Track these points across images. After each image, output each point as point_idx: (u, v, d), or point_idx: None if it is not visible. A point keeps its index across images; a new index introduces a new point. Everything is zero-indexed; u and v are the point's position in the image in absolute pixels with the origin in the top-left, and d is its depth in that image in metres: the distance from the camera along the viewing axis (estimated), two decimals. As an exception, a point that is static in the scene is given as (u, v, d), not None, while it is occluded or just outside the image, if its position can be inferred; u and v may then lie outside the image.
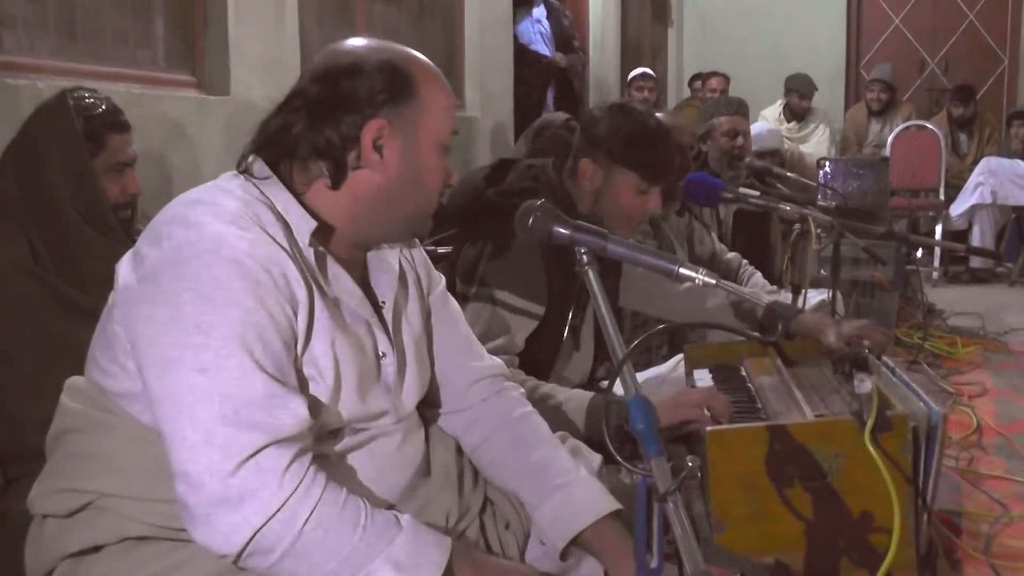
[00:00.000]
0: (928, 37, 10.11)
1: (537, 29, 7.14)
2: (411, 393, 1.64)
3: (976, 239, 7.57)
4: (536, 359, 2.38)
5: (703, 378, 2.50)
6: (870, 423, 1.82)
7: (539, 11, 7.14)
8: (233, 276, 1.35)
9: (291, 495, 1.32)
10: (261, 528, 1.31)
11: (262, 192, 1.47)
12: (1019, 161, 7.60)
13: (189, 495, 1.31)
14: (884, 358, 2.29)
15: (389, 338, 1.58)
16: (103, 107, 2.35)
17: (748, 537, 1.88)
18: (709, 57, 10.04)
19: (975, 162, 7.93)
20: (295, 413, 1.36)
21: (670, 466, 1.20)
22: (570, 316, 2.46)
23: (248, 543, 1.31)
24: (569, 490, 1.66)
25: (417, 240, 1.75)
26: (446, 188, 1.61)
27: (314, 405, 1.43)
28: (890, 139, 7.96)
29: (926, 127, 8.02)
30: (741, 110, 4.33)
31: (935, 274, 7.42)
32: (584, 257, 1.51)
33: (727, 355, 2.63)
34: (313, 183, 1.50)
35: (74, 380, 1.54)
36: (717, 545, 1.83)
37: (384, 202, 1.52)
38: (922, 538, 1.93)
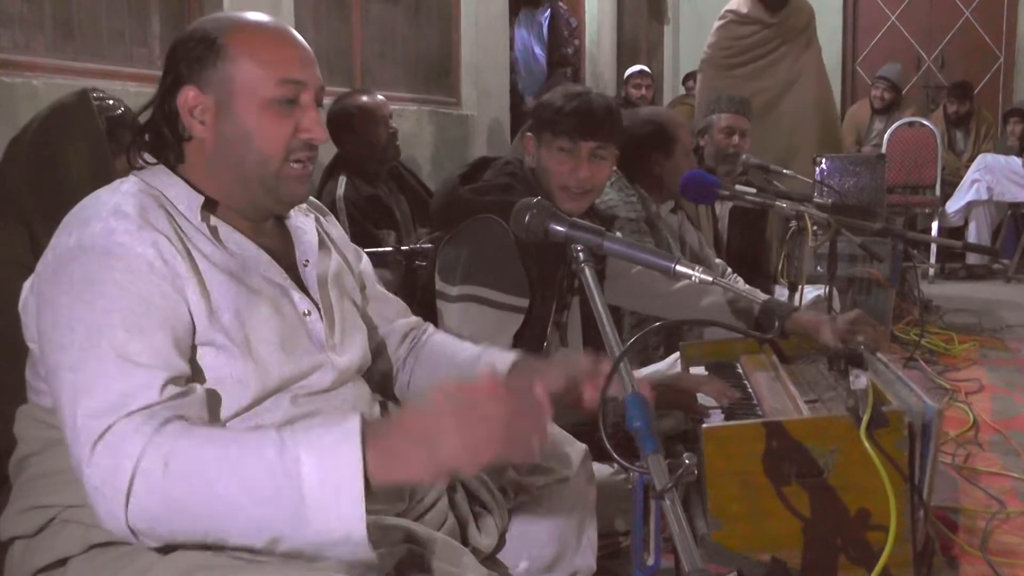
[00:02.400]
0: (924, 34, 10.12)
1: (537, 31, 7.12)
2: (347, 350, 1.63)
3: (972, 235, 7.58)
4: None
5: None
6: (865, 419, 1.82)
7: (544, 14, 7.13)
8: (103, 268, 1.38)
9: (144, 450, 1.26)
10: (129, 495, 1.25)
11: (148, 183, 1.51)
12: (1015, 158, 7.62)
13: (82, 481, 1.30)
14: (879, 354, 2.29)
15: (310, 297, 1.60)
16: (122, 108, 2.37)
17: (745, 534, 1.89)
18: (705, 54, 10.03)
19: (972, 159, 7.95)
20: (148, 386, 1.33)
21: (667, 463, 1.20)
22: (552, 311, 2.47)
23: (128, 513, 1.26)
24: (481, 357, 1.77)
25: (330, 213, 1.81)
26: (307, 145, 1.54)
27: (231, 370, 1.45)
28: (886, 136, 7.97)
29: (923, 124, 8.02)
30: (742, 109, 4.33)
31: (931, 271, 7.42)
32: (580, 255, 1.51)
33: (723, 352, 2.63)
34: (183, 162, 1.55)
35: (22, 408, 1.56)
36: (714, 542, 1.83)
37: (222, 167, 1.53)
38: (919, 534, 1.93)
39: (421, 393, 1.25)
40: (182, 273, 1.43)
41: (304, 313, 1.57)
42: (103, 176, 2.21)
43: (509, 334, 2.35)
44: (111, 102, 2.37)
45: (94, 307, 1.36)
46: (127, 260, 1.39)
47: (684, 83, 9.23)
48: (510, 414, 1.25)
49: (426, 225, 3.83)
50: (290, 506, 1.23)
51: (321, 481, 1.23)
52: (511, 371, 1.69)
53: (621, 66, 8.91)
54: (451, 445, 1.23)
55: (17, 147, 2.25)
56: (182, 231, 1.48)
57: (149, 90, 3.46)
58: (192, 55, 1.52)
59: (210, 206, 1.53)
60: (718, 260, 3.97)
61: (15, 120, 2.31)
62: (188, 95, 1.51)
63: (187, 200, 1.51)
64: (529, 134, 2.55)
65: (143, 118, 1.58)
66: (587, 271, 1.49)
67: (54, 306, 1.38)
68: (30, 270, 2.09)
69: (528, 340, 2.42)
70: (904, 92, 9.44)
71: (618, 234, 2.92)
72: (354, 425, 1.25)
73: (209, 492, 1.24)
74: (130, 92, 3.31)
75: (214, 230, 1.53)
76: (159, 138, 1.55)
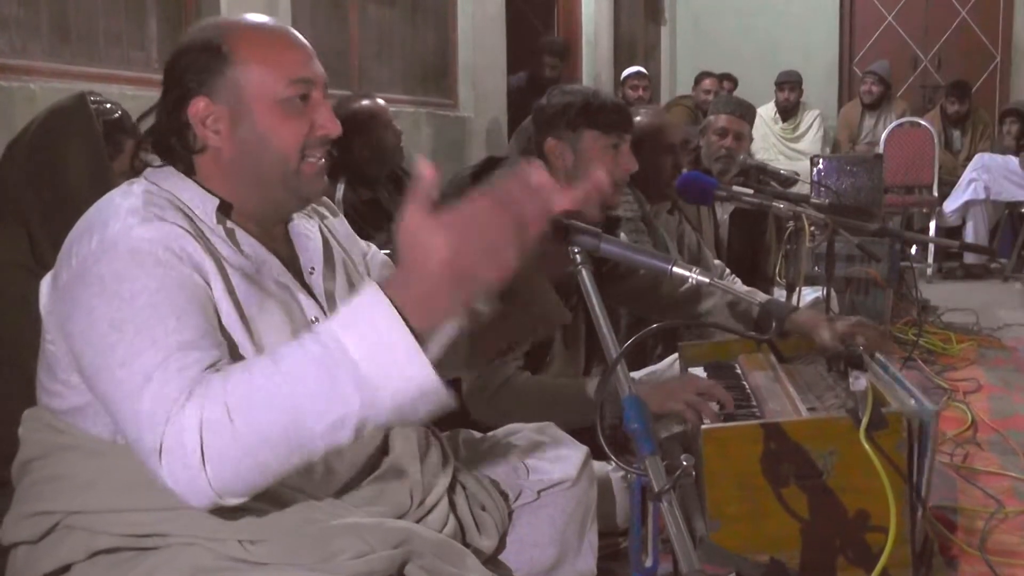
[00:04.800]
0: (921, 34, 10.12)
1: None
2: None
3: (970, 235, 7.59)
4: (527, 359, 2.39)
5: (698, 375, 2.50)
6: (865, 420, 1.82)
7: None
8: (132, 266, 1.36)
9: (202, 406, 1.24)
10: (203, 454, 1.22)
11: (160, 187, 1.50)
12: (1012, 157, 7.63)
13: (158, 473, 1.26)
14: (878, 355, 2.30)
15: (318, 303, 1.59)
16: (119, 112, 2.37)
17: (744, 535, 1.89)
18: (702, 56, 10.03)
19: (968, 158, 7.96)
20: (203, 363, 1.31)
21: (664, 465, 1.20)
22: None
23: (209, 474, 1.23)
24: None
25: (337, 210, 1.78)
26: (323, 140, 1.54)
27: None
28: (884, 136, 7.98)
29: (920, 124, 8.03)
30: (739, 111, 4.31)
31: (929, 270, 7.43)
32: (578, 256, 1.51)
33: (722, 353, 2.63)
34: (193, 173, 1.54)
35: (29, 411, 1.55)
36: (712, 543, 1.83)
37: (241, 173, 1.52)
38: (917, 535, 1.94)
39: (417, 232, 1.21)
40: (207, 268, 1.42)
41: (312, 320, 1.56)
42: (101, 179, 2.21)
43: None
44: (108, 105, 2.38)
45: (135, 303, 1.34)
46: (155, 254, 1.38)
47: (697, 83, 9.05)
48: (509, 209, 1.22)
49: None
50: (355, 387, 1.21)
51: (371, 350, 1.20)
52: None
53: (618, 67, 8.90)
54: (476, 269, 1.21)
55: (15, 149, 2.26)
56: (200, 231, 1.47)
57: (146, 93, 3.48)
58: (197, 65, 1.50)
59: (224, 209, 1.52)
60: (717, 261, 3.97)
61: (12, 124, 2.31)
62: (199, 106, 1.50)
63: (201, 203, 1.50)
64: (554, 139, 2.52)
65: (143, 126, 1.58)
66: (584, 272, 1.49)
67: (88, 309, 1.36)
68: (29, 271, 2.11)
69: (533, 347, 2.42)
70: (899, 93, 9.47)
71: (622, 235, 2.93)
72: (372, 287, 1.23)
73: (276, 412, 1.22)
74: (127, 95, 3.31)
75: (230, 233, 1.52)
76: (167, 150, 1.54)
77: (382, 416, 1.24)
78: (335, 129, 1.55)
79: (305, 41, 1.58)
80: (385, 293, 1.22)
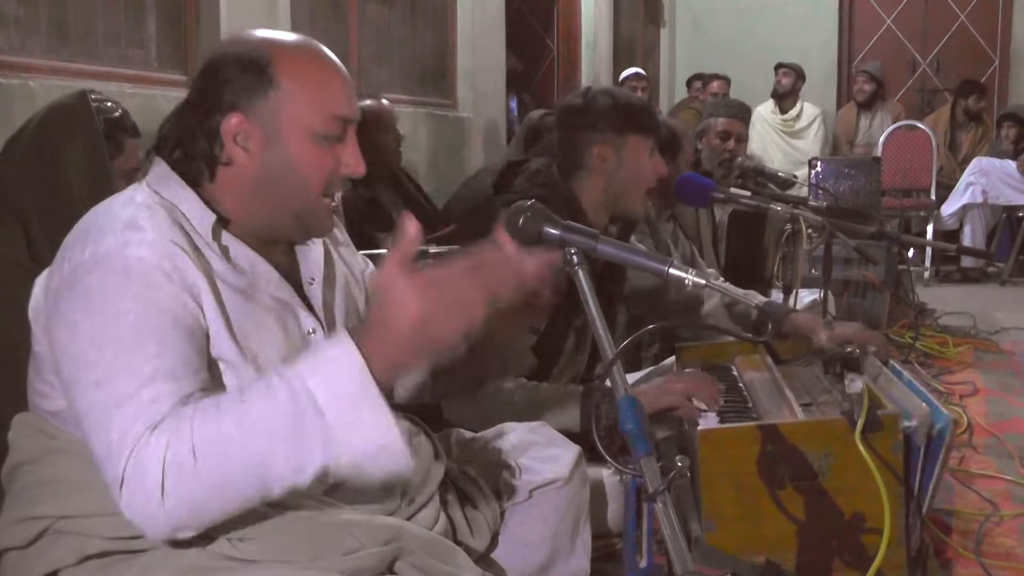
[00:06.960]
0: (919, 37, 10.12)
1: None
2: None
3: (967, 239, 7.60)
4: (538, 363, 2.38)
5: (695, 378, 2.50)
6: (860, 423, 1.83)
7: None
8: (122, 284, 1.36)
9: (167, 444, 1.26)
10: (163, 493, 1.24)
11: (162, 196, 1.49)
12: (1010, 161, 7.64)
13: (118, 501, 1.28)
14: (891, 361, 2.30)
15: (316, 316, 1.58)
16: (120, 110, 2.37)
17: (739, 536, 1.89)
18: (702, 58, 10.04)
19: (966, 161, 7.97)
20: (178, 394, 1.32)
21: (659, 466, 1.20)
22: (570, 315, 2.46)
23: (166, 511, 1.25)
24: None
25: (341, 226, 1.78)
26: (347, 179, 1.55)
27: (240, 387, 1.41)
28: (881, 139, 7.99)
29: (917, 127, 8.05)
30: (739, 114, 4.34)
31: (926, 274, 7.44)
32: (574, 258, 1.51)
33: (718, 354, 2.63)
34: (205, 178, 1.53)
35: (19, 416, 1.55)
36: (708, 545, 1.83)
37: (260, 196, 1.51)
38: (913, 538, 1.94)
39: (393, 288, 1.27)
40: (199, 286, 1.42)
41: (309, 332, 1.56)
42: (101, 177, 2.21)
43: (527, 352, 2.33)
44: (109, 104, 2.37)
45: (119, 324, 1.34)
46: (145, 274, 1.37)
47: (687, 85, 9.10)
48: (482, 277, 1.30)
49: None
50: (320, 437, 1.25)
51: (337, 401, 1.25)
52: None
53: (617, 68, 8.91)
54: (444, 330, 1.28)
55: (14, 146, 2.25)
56: (196, 246, 1.46)
57: (145, 91, 3.48)
58: (239, 81, 1.48)
59: (222, 223, 1.51)
60: (711, 270, 3.97)
61: (11, 121, 2.31)
62: (232, 122, 1.48)
63: (199, 217, 1.49)
64: (599, 144, 2.47)
65: (176, 129, 1.54)
66: (581, 274, 1.49)
67: (72, 322, 1.36)
68: (26, 269, 2.10)
69: (546, 344, 2.40)
70: (898, 96, 9.48)
71: (633, 239, 2.93)
72: (344, 338, 1.28)
73: (242, 458, 1.25)
74: (126, 93, 3.31)
75: (225, 249, 1.51)
76: (187, 154, 1.52)
77: (342, 469, 1.29)
78: (359, 169, 1.55)
79: (348, 76, 1.56)
80: (355, 343, 1.27)
